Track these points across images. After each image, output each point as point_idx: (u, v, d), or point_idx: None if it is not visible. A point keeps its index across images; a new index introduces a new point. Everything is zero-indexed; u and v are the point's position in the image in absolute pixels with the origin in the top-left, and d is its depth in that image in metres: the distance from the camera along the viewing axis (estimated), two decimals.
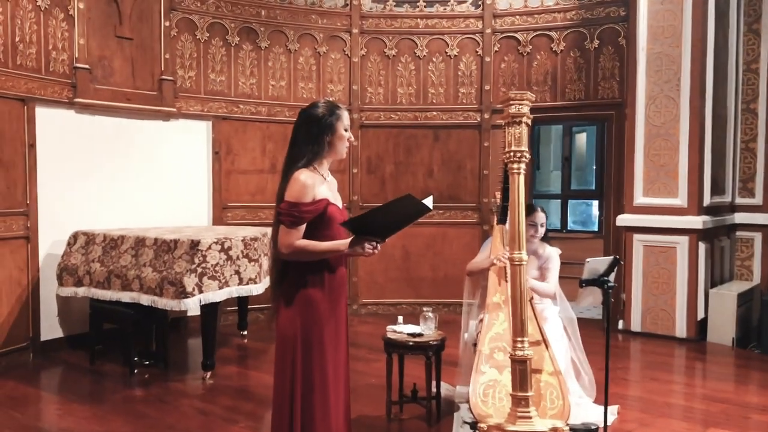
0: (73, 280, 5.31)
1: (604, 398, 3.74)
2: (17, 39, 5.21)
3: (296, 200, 2.61)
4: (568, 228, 9.14)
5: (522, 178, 3.45)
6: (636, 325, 6.41)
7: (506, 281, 3.99)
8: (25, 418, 4.10)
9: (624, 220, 6.47)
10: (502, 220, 4.14)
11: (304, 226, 2.64)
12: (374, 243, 2.62)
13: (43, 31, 5.43)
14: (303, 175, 2.63)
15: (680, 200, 6.19)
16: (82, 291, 5.26)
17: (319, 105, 2.76)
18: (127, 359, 5.10)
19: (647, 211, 6.33)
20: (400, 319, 4.21)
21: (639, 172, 6.39)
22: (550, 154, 10.42)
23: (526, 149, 3.46)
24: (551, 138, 10.44)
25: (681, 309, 6.19)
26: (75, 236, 5.50)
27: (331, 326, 2.73)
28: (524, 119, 3.47)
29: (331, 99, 3.06)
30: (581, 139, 10.41)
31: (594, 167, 9.90)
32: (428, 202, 2.61)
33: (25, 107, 5.30)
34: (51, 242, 5.55)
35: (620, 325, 6.59)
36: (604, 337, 6.24)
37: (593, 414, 4.03)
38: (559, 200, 9.39)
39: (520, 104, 3.47)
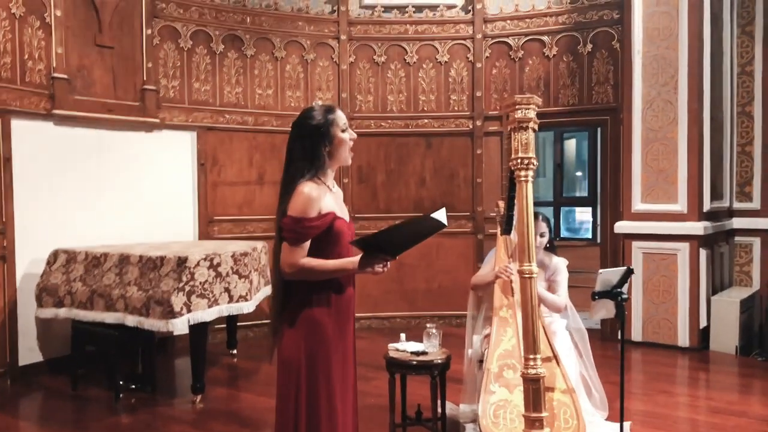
0: (54, 300, 5.04)
1: (619, 415, 3.57)
2: None
3: (300, 215, 2.39)
4: (561, 236, 8.99)
5: (530, 186, 3.28)
6: (637, 335, 6.26)
7: (513, 294, 3.82)
8: None
9: (622, 227, 6.32)
10: (506, 231, 3.96)
11: (308, 244, 2.42)
12: (385, 261, 2.42)
13: (18, 39, 5.17)
14: (307, 188, 2.42)
15: (680, 206, 6.06)
16: (63, 312, 4.99)
17: (311, 113, 2.51)
18: (112, 383, 4.84)
19: (646, 217, 6.19)
20: (403, 336, 4.00)
21: (637, 177, 6.25)
22: (539, 158, 10.30)
23: (534, 156, 3.28)
24: (539, 144, 10.32)
25: (683, 317, 6.04)
26: (55, 254, 5.23)
27: (339, 351, 2.51)
28: (531, 124, 3.29)
29: (320, 102, 2.81)
30: (570, 145, 10.30)
31: (583, 174, 9.78)
32: (442, 217, 2.41)
33: (0, 120, 5.04)
34: (29, 261, 5.28)
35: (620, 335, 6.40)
36: (606, 348, 6.15)
37: None
38: (551, 208, 9.25)
39: (527, 108, 3.31)
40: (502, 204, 4.06)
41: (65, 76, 5.49)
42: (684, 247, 6.02)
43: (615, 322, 6.50)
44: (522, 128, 3.30)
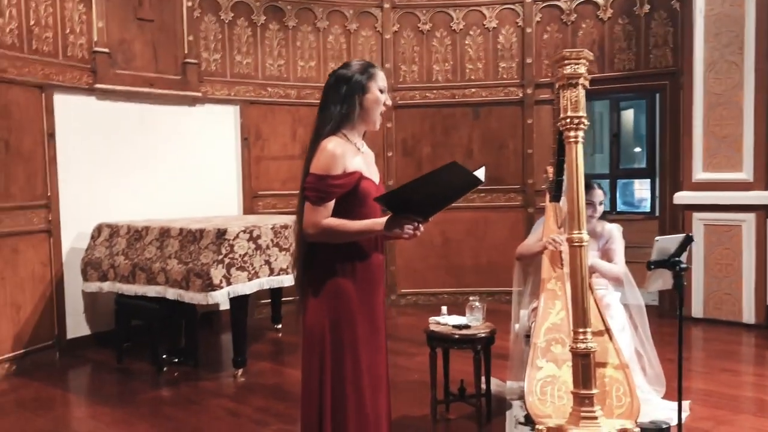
0: (98, 274, 5.05)
1: (677, 393, 3.32)
2: (32, 23, 4.95)
3: (324, 172, 2.22)
4: (618, 210, 8.61)
5: (581, 147, 3.04)
6: (698, 311, 5.93)
7: (561, 266, 3.59)
8: (46, 422, 3.84)
9: (682, 197, 5.97)
10: (555, 197, 3.73)
11: (332, 204, 2.25)
12: (415, 223, 2.21)
13: (59, 14, 5.16)
14: (332, 144, 2.25)
15: (745, 174, 5.67)
16: (106, 286, 5.00)
17: (352, 64, 2.39)
18: (155, 357, 4.83)
19: (708, 187, 5.82)
20: (444, 309, 3.83)
21: (698, 145, 5.88)
22: (594, 132, 9.88)
23: (585, 115, 3.04)
24: (595, 117, 9.90)
25: (748, 293, 5.68)
26: (99, 228, 5.25)
27: (366, 322, 2.34)
28: (581, 80, 3.04)
29: (365, 60, 2.63)
30: (627, 115, 9.85)
31: (641, 145, 9.34)
32: (479, 173, 2.20)
33: (43, 95, 5.05)
34: (74, 235, 5.31)
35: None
36: (663, 324, 5.84)
37: (663, 411, 3.61)
38: (608, 180, 8.87)
39: (576, 63, 3.05)
40: (551, 170, 3.83)
41: (106, 50, 5.47)
42: (749, 218, 5.65)
43: (674, 297, 6.19)
44: (571, 85, 3.06)
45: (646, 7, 6.43)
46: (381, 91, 2.36)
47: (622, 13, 6.57)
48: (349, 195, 2.28)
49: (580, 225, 3.00)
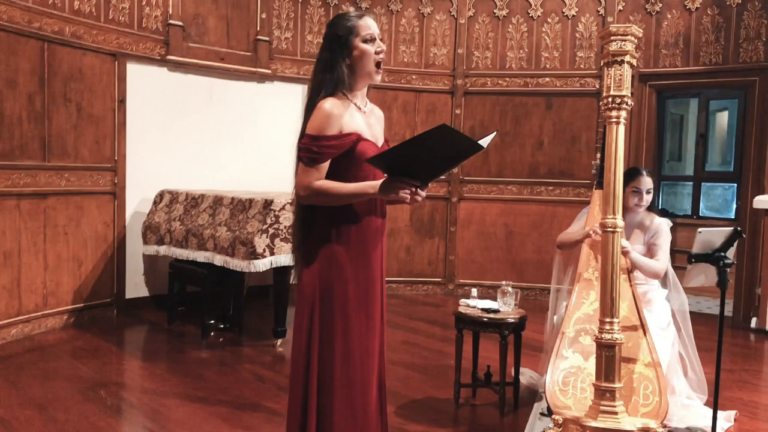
0: (156, 238, 5.24)
1: (726, 402, 3.09)
2: None
3: (318, 132, 2.13)
4: (700, 214, 8.13)
5: (622, 128, 2.88)
6: None
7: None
8: (86, 369, 4.03)
9: (762, 202, 5.56)
10: (600, 184, 3.54)
11: (326, 165, 2.17)
12: (413, 187, 2.09)
13: None
14: (328, 104, 2.14)
15: None
16: (163, 249, 5.18)
17: (337, 20, 2.25)
18: (201, 321, 4.96)
19: None
20: (474, 291, 3.73)
21: None
22: (682, 139, 9.36)
23: (628, 94, 2.86)
24: (681, 119, 9.38)
25: None
26: (161, 194, 5.44)
27: (360, 289, 2.25)
28: (627, 58, 2.85)
29: (355, 9, 2.46)
30: (722, 117, 9.28)
31: (729, 146, 8.78)
32: (485, 140, 2.07)
33: (116, 62, 5.28)
34: (138, 200, 5.53)
35: (753, 323, 5.69)
36: (735, 336, 5.48)
37: (703, 418, 3.37)
38: (691, 183, 8.38)
39: (623, 40, 2.87)
40: (599, 156, 3.65)
41: (180, 23, 5.65)
42: None
43: (748, 308, 5.80)
44: (617, 62, 2.88)
45: None
46: (367, 41, 2.20)
47: (713, 3, 6.17)
48: (344, 156, 2.18)
49: (615, 210, 2.84)
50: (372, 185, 2.13)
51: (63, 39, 4.85)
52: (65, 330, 4.93)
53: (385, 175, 2.12)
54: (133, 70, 5.41)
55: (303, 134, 2.20)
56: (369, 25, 2.22)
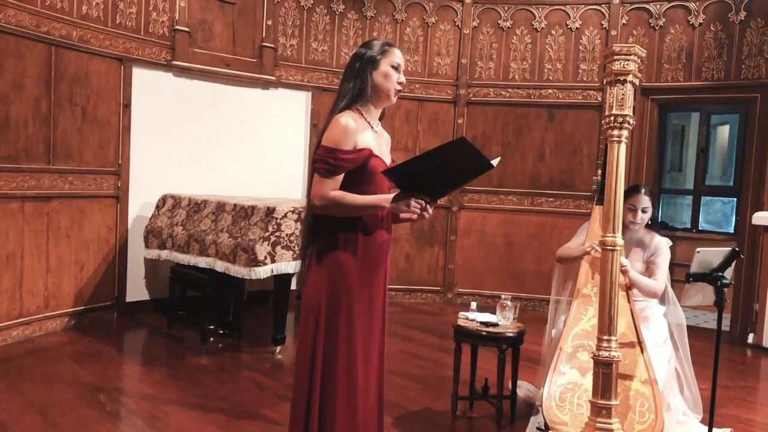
0: (158, 242, 5.27)
1: (721, 420, 3.11)
2: None
3: (334, 145, 2.23)
4: (700, 228, 8.15)
5: (623, 147, 2.91)
6: None
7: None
8: (86, 373, 4.05)
9: (761, 218, 5.59)
10: (600, 200, 3.57)
11: (341, 177, 2.26)
12: (422, 202, 2.19)
13: None
14: (344, 118, 2.26)
15: None
16: (164, 254, 5.20)
17: (368, 43, 2.41)
18: (201, 327, 4.98)
19: None
20: (474, 305, 3.75)
21: None
22: (683, 152, 9.39)
23: (630, 114, 2.89)
24: (682, 132, 9.40)
25: None
26: (164, 199, 5.47)
27: (364, 298, 2.33)
28: (630, 77, 2.89)
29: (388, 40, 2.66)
30: (723, 131, 9.31)
31: (730, 161, 8.81)
32: (493, 161, 2.16)
33: (122, 67, 5.31)
34: (141, 204, 5.56)
35: (750, 339, 5.72)
36: (733, 352, 5.50)
37: None
38: (691, 197, 8.41)
39: (626, 60, 2.90)
40: (600, 172, 3.68)
41: (186, 29, 5.68)
42: None
43: (745, 324, 5.82)
44: (619, 81, 2.92)
45: (742, 14, 6.05)
46: (394, 68, 2.36)
47: (716, 20, 6.21)
48: (357, 171, 2.29)
49: (615, 228, 2.87)
50: (386, 198, 2.24)
51: (70, 43, 4.88)
52: (66, 333, 4.95)
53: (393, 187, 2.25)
54: (138, 74, 5.44)
55: (319, 145, 2.26)
56: (399, 55, 2.40)
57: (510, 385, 3.67)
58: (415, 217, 2.27)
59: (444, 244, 7.03)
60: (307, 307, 2.32)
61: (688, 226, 8.21)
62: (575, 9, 6.69)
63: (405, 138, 6.86)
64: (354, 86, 2.33)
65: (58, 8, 4.79)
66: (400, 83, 2.39)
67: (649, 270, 3.56)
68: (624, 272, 3.26)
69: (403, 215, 2.34)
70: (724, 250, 2.99)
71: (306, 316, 2.32)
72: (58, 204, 4.92)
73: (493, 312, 3.67)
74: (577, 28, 6.70)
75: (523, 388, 3.90)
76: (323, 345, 2.28)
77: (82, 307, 5.17)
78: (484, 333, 3.49)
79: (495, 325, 3.51)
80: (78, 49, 4.96)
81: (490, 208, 6.96)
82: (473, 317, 3.60)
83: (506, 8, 6.82)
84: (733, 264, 3.00)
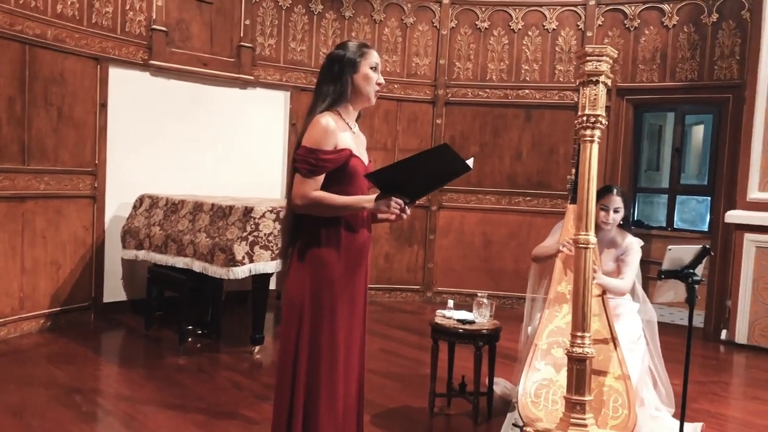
0: (135, 242, 5.24)
1: (695, 414, 3.17)
2: None
3: (315, 146, 2.26)
4: (675, 226, 8.27)
5: (596, 147, 2.96)
6: (741, 337, 5.63)
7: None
8: (62, 375, 4.03)
9: (734, 216, 5.68)
10: (574, 199, 3.62)
11: (322, 177, 2.29)
12: (401, 203, 2.24)
13: None
14: (325, 119, 2.28)
15: None
16: (142, 254, 5.18)
17: (347, 44, 2.43)
18: (179, 327, 4.96)
19: (762, 207, 5.51)
20: (451, 303, 3.79)
21: (756, 162, 5.57)
22: (660, 152, 9.51)
23: (603, 114, 2.94)
24: (658, 132, 9.52)
25: None
26: (141, 199, 5.44)
27: (346, 295, 2.36)
28: (602, 78, 2.93)
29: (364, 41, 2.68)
30: (698, 131, 9.45)
31: (704, 160, 8.95)
32: (469, 162, 2.21)
33: (99, 66, 5.28)
34: (118, 204, 5.52)
35: (723, 335, 5.82)
36: (707, 348, 5.59)
37: (671, 429, 3.45)
38: (666, 195, 8.53)
39: (598, 61, 2.94)
40: (574, 171, 3.72)
41: (164, 29, 5.66)
42: None
43: (719, 321, 5.92)
44: (591, 82, 2.96)
45: (715, 16, 6.16)
46: (373, 69, 2.39)
47: (689, 21, 6.31)
48: (337, 171, 2.32)
49: (587, 226, 2.91)
50: (366, 199, 2.28)
51: (45, 42, 4.84)
52: (41, 334, 4.91)
53: (372, 188, 2.30)
54: (115, 74, 5.41)
55: (299, 145, 2.28)
56: (376, 56, 2.43)
57: (487, 382, 3.71)
58: (393, 218, 2.32)
59: (423, 244, 7.07)
60: (289, 305, 2.34)
61: (664, 224, 8.32)
62: (552, 10, 6.76)
63: (384, 138, 6.88)
64: (334, 90, 2.35)
65: (33, 7, 4.75)
66: (379, 84, 2.41)
67: (619, 268, 3.61)
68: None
69: (381, 216, 2.37)
70: (695, 248, 3.05)
71: (288, 314, 2.34)
72: (33, 204, 4.87)
73: (471, 310, 3.71)
74: (553, 29, 6.77)
75: (500, 385, 3.95)
76: (308, 342, 2.30)
77: (59, 308, 5.13)
78: (460, 330, 3.53)
79: (471, 322, 3.55)
80: (53, 49, 4.92)
81: (468, 208, 7.01)
82: (450, 315, 3.64)
83: (483, 9, 6.87)
84: (704, 261, 3.06)
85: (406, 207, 2.27)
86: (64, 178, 5.09)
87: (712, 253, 3.25)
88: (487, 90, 6.92)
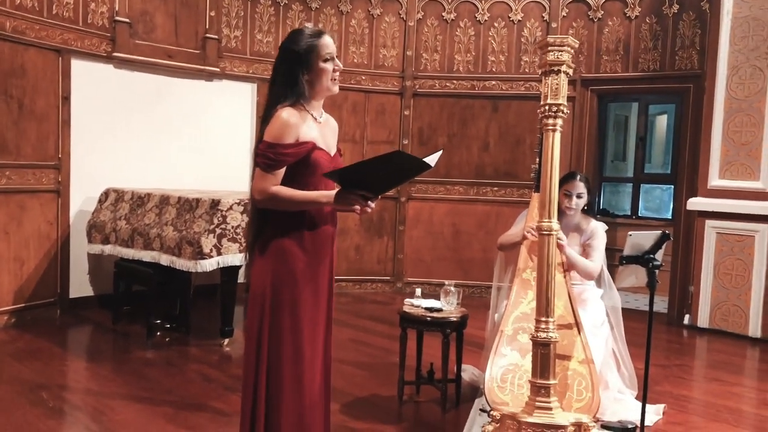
0: (101, 237, 5.19)
1: (652, 395, 3.25)
2: None
3: (275, 140, 2.23)
4: (639, 214, 8.43)
5: (558, 136, 3.01)
6: (703, 321, 5.77)
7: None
8: (28, 372, 3.98)
9: (695, 203, 5.82)
10: (538, 188, 3.68)
11: (282, 171, 2.26)
12: (365, 199, 2.20)
13: None
14: (285, 113, 2.25)
15: (762, 183, 5.50)
16: (108, 249, 5.13)
17: (295, 37, 2.34)
18: (147, 321, 4.93)
19: (723, 194, 5.66)
20: (418, 291, 3.83)
21: (716, 151, 5.72)
22: (625, 141, 9.66)
23: (564, 103, 2.99)
24: (623, 121, 9.68)
25: (756, 305, 5.51)
26: (106, 193, 5.39)
27: (310, 287, 2.35)
28: (563, 68, 2.98)
29: (310, 26, 2.56)
30: (661, 121, 9.61)
31: (667, 149, 9.13)
32: (432, 158, 2.20)
33: (60, 59, 5.20)
34: (83, 198, 5.46)
35: (686, 319, 5.96)
36: (670, 332, 5.72)
37: (634, 411, 3.53)
38: (631, 184, 8.68)
39: (560, 51, 2.99)
40: (538, 160, 3.78)
41: (127, 20, 5.59)
42: (763, 229, 5.47)
43: (682, 305, 6.06)
44: (553, 72, 3.00)
45: (675, 7, 6.28)
46: (327, 60, 2.32)
47: (651, 12, 6.42)
48: (299, 164, 2.29)
49: (550, 213, 2.97)
50: (326, 195, 2.25)
51: (4, 34, 4.75)
52: (5, 330, 4.84)
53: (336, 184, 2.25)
54: (78, 66, 5.33)
55: (260, 140, 2.27)
56: (328, 44, 2.33)
57: (455, 369, 3.75)
58: (358, 212, 2.26)
59: (393, 235, 7.10)
60: (252, 297, 2.34)
61: (629, 213, 8.47)
62: (517, 2, 6.82)
63: (352, 130, 6.88)
64: (291, 92, 2.29)
65: None
66: (336, 71, 2.35)
67: (585, 253, 3.68)
68: (560, 247, 3.36)
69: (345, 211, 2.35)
70: (655, 234, 3.13)
71: (252, 306, 2.34)
72: None
73: (439, 299, 3.75)
74: (519, 20, 6.83)
75: (468, 372, 4.00)
76: (268, 334, 2.30)
77: (23, 305, 5.06)
78: (428, 318, 3.57)
79: (439, 310, 3.59)
80: (12, 40, 4.83)
81: (437, 198, 7.06)
82: (418, 303, 3.68)
83: (450, 1, 6.90)
84: (664, 246, 3.14)
85: (370, 201, 2.23)
86: (27, 172, 5.01)
87: (671, 239, 3.33)
88: (455, 81, 6.96)
